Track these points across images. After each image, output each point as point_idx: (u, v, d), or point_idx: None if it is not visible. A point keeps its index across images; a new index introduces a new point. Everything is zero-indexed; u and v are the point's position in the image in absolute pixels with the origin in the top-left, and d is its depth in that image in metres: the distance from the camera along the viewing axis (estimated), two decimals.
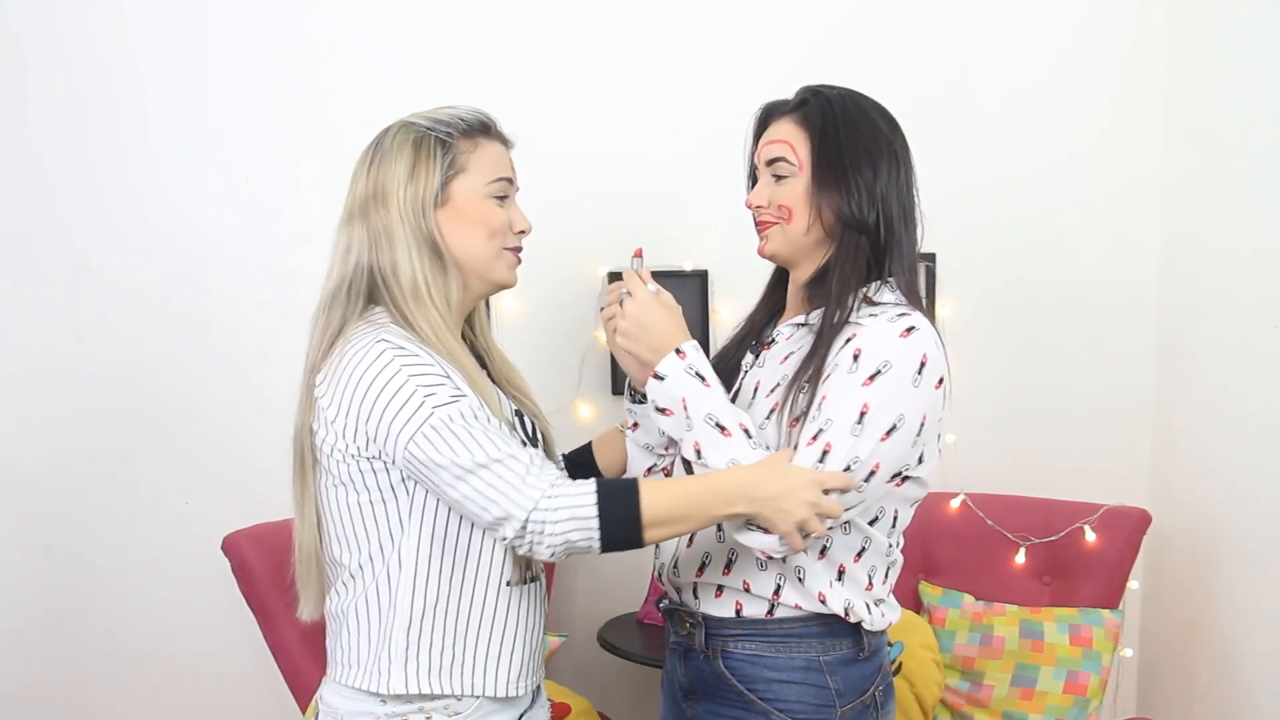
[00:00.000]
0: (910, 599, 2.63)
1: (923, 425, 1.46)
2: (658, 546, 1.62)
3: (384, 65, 2.66)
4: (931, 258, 2.65)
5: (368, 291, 1.48)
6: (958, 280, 2.71)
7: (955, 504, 2.66)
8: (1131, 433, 2.81)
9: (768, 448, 1.47)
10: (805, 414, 1.45)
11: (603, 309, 1.57)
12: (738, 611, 1.54)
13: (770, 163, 1.56)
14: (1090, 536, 2.56)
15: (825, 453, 1.41)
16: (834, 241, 1.53)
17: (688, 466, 1.50)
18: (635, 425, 1.69)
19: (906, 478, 1.50)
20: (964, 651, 2.52)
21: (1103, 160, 2.75)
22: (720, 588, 1.55)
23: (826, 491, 1.39)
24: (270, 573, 2.29)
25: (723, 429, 1.45)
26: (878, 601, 1.55)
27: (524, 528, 1.36)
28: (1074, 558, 2.57)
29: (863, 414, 1.42)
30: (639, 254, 1.56)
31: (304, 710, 2.29)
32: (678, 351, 1.48)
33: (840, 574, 1.51)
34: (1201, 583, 2.58)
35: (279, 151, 2.66)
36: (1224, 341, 2.50)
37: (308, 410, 1.48)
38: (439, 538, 1.45)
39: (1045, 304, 2.78)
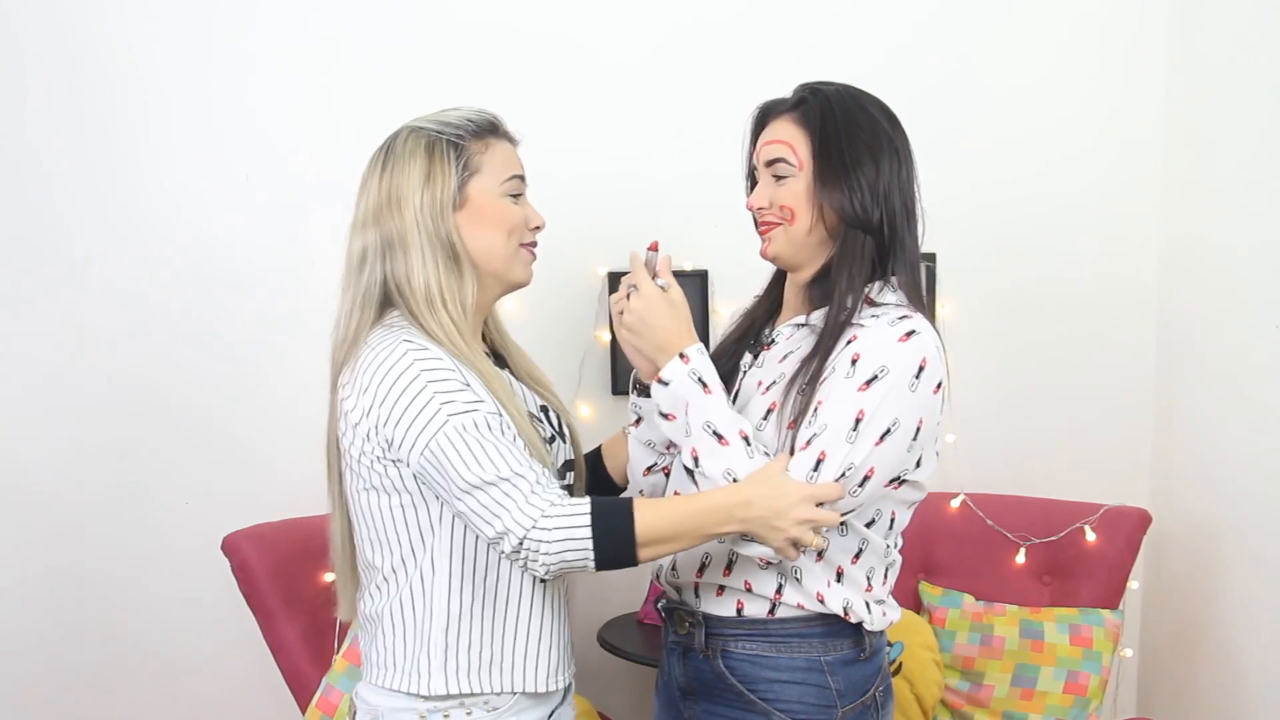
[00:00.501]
0: (910, 599, 2.63)
1: (919, 430, 1.45)
2: None
3: (384, 65, 2.66)
4: (932, 258, 2.65)
5: (383, 299, 1.49)
6: (958, 280, 2.72)
7: (955, 504, 2.66)
8: (1131, 433, 2.81)
9: (766, 454, 1.47)
10: (801, 417, 1.45)
11: (617, 298, 1.54)
12: (739, 611, 1.53)
13: (770, 163, 1.54)
14: (1090, 536, 2.56)
15: (820, 460, 1.41)
16: (836, 241, 1.52)
17: (689, 474, 1.50)
18: (638, 421, 1.68)
19: (904, 481, 1.50)
20: (964, 652, 2.52)
21: (1102, 161, 2.75)
22: (722, 587, 1.55)
23: (820, 504, 1.39)
24: (270, 573, 2.28)
25: (720, 437, 1.44)
26: (878, 601, 1.55)
27: (520, 545, 1.37)
28: (1074, 558, 2.57)
29: (858, 420, 1.41)
30: (654, 247, 1.54)
31: (304, 710, 2.29)
32: (681, 356, 1.47)
33: (839, 575, 1.51)
34: (1201, 583, 2.58)
35: (279, 151, 2.66)
36: (1224, 341, 2.50)
37: (335, 416, 1.50)
38: (470, 539, 1.46)
39: (1045, 304, 2.78)
